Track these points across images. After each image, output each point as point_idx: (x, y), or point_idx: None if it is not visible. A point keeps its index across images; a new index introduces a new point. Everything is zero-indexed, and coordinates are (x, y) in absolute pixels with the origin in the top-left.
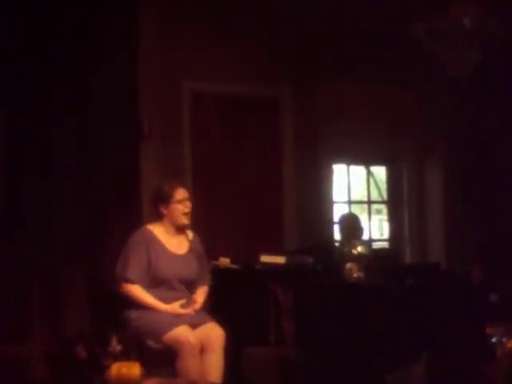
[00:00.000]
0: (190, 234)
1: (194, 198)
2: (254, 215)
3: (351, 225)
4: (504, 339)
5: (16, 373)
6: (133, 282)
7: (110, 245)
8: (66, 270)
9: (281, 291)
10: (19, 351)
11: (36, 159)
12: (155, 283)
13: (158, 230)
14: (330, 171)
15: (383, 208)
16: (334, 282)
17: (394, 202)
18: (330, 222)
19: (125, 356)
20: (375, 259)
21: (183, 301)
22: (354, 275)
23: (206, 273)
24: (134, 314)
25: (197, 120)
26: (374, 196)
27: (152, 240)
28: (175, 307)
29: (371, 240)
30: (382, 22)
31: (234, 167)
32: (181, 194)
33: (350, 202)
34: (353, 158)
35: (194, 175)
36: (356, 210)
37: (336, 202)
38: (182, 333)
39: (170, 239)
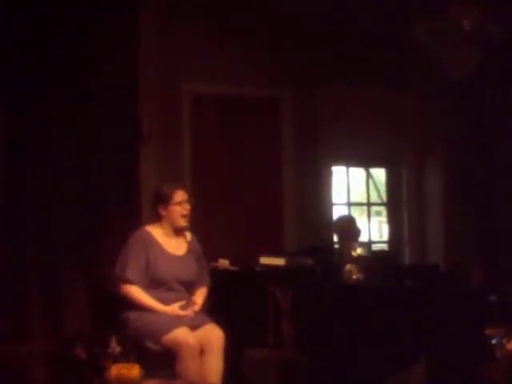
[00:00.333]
0: (189, 235)
1: (194, 199)
2: (253, 216)
3: (346, 227)
4: (504, 340)
5: (16, 373)
6: (132, 283)
7: (109, 245)
8: (66, 270)
9: (280, 293)
10: (19, 351)
11: (36, 159)
12: (154, 284)
13: (157, 231)
14: (330, 173)
15: (382, 210)
16: (334, 284)
17: (394, 204)
18: (330, 224)
19: (124, 357)
20: (375, 261)
21: (183, 302)
22: (354, 277)
23: (204, 274)
24: (133, 316)
25: (197, 120)
26: (374, 198)
27: (151, 241)
28: (174, 308)
29: (371, 242)
30: (382, 22)
31: (234, 168)
32: (180, 195)
33: (349, 204)
34: (353, 159)
35: (194, 176)
36: (355, 211)
37: (335, 204)
38: (181, 334)
39: (169, 240)
